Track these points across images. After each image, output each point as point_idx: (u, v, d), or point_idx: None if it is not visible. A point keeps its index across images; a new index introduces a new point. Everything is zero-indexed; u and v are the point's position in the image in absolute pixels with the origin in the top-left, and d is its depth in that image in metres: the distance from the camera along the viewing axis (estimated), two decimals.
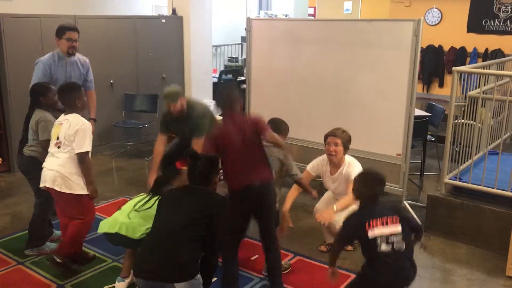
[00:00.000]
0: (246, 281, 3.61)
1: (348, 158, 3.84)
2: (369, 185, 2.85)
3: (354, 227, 2.77)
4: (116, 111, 6.87)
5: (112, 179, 5.13)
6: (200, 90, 7.67)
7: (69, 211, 3.55)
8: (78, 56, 4.63)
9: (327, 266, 3.78)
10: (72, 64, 4.55)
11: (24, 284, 3.51)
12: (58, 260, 3.47)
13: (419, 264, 3.86)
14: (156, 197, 3.15)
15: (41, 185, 3.49)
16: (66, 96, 3.55)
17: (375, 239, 2.69)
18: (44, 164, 3.52)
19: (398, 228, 2.73)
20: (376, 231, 2.70)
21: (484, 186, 4.20)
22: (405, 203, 4.60)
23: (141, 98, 7.00)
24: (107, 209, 4.78)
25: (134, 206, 3.26)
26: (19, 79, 5.74)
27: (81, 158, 3.41)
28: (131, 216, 3.25)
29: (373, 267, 2.76)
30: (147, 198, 3.24)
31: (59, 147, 3.46)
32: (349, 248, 4.05)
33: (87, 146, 3.41)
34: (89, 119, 4.38)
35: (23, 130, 3.89)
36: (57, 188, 3.40)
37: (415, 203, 4.87)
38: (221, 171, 3.18)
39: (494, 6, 8.13)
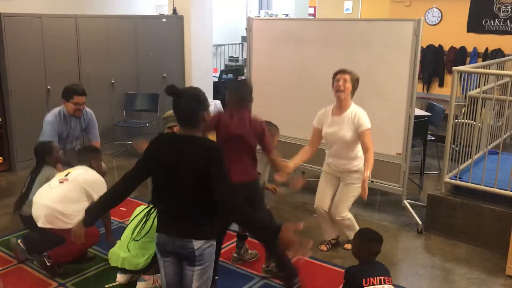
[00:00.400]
0: (245, 280, 3.62)
1: (354, 105, 3.78)
2: (366, 245, 2.98)
3: (353, 276, 2.93)
4: (117, 111, 6.88)
5: (112, 178, 5.09)
6: None
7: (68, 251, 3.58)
8: (83, 111, 4.67)
9: (327, 265, 3.83)
10: (75, 121, 4.64)
11: (25, 283, 3.52)
12: (48, 263, 3.51)
13: (419, 263, 3.91)
14: (153, 213, 3.04)
15: (38, 223, 3.52)
16: (84, 156, 3.84)
17: None
18: (36, 198, 3.56)
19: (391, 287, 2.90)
20: None
21: (484, 185, 4.21)
22: (405, 202, 4.61)
23: (142, 98, 7.01)
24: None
25: (132, 234, 3.27)
26: (20, 78, 5.76)
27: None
28: (130, 248, 3.37)
29: None
30: (143, 220, 2.97)
31: (61, 182, 3.54)
32: (349, 246, 4.06)
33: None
34: None
35: (27, 187, 3.90)
36: (48, 226, 3.47)
37: (415, 202, 4.88)
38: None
39: (494, 6, 8.13)
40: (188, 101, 2.38)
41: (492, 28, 8.21)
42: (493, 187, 4.15)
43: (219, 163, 2.35)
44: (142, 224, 3.07)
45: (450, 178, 4.44)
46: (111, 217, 4.55)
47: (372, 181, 4.66)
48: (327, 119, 3.86)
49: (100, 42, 6.54)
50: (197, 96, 2.42)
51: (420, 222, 4.46)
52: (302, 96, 5.19)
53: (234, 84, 3.60)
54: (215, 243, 2.49)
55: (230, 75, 8.93)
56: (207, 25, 7.70)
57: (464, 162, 4.57)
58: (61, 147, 4.40)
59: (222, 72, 8.90)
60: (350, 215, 3.94)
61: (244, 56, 9.33)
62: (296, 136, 5.22)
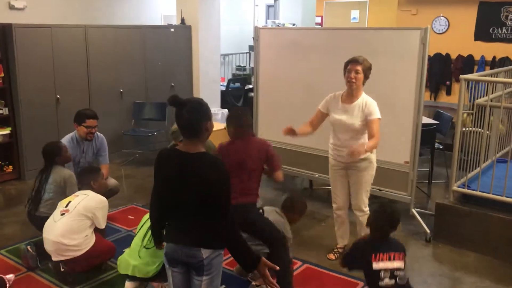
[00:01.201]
0: (245, 286, 3.64)
1: (364, 94, 3.76)
2: (381, 223, 2.94)
3: (362, 251, 2.90)
4: (126, 120, 6.93)
5: (121, 187, 5.17)
6: (208, 99, 7.60)
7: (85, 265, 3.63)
8: (95, 136, 4.75)
9: (335, 274, 3.82)
10: (88, 145, 4.71)
11: None
12: (62, 269, 3.54)
13: (427, 272, 3.89)
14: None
15: (53, 258, 3.56)
16: (84, 179, 3.91)
17: (379, 271, 2.80)
18: (44, 234, 3.59)
19: (402, 263, 2.86)
20: (381, 264, 2.82)
21: (493, 194, 4.18)
22: (414, 211, 4.59)
23: (150, 107, 7.05)
24: (117, 217, 4.82)
25: (142, 241, 3.36)
26: (30, 87, 5.83)
27: (101, 232, 3.71)
28: (141, 255, 3.39)
29: None
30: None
31: (63, 214, 3.57)
32: None
33: (105, 223, 3.72)
34: None
35: (38, 186, 3.97)
36: (62, 258, 3.51)
37: (423, 211, 4.86)
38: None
39: (502, 14, 8.13)
40: (191, 111, 2.36)
41: (499, 36, 8.20)
42: (502, 196, 4.13)
43: (222, 182, 2.36)
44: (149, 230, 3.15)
45: (458, 187, 4.42)
46: (120, 226, 4.59)
47: (380, 190, 4.66)
48: (336, 106, 3.84)
49: (109, 52, 6.61)
50: (199, 106, 2.40)
51: (428, 231, 4.44)
52: (309, 104, 5.18)
53: (233, 113, 3.61)
54: (223, 252, 2.49)
55: (237, 84, 8.97)
56: (215, 34, 7.76)
57: (472, 171, 4.56)
58: (72, 171, 4.48)
59: (229, 81, 8.94)
60: (369, 211, 3.89)
61: (252, 65, 9.37)
62: (304, 145, 5.22)
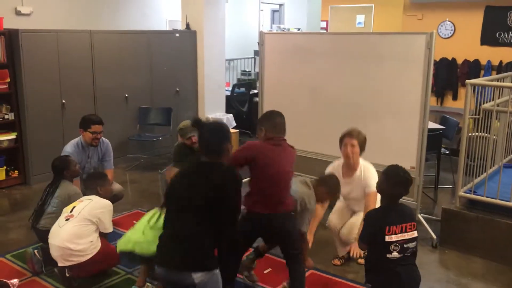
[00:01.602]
0: None
1: (362, 162, 3.82)
2: (391, 183, 2.85)
3: (375, 224, 2.83)
4: (131, 125, 6.94)
5: (126, 192, 5.17)
6: (213, 104, 7.73)
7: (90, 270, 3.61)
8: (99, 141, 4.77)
9: (340, 280, 3.80)
10: (93, 150, 4.73)
11: None
12: (67, 274, 3.52)
13: (434, 278, 3.85)
14: None
15: (58, 264, 3.55)
16: (90, 184, 3.91)
17: (390, 244, 2.76)
18: (50, 240, 3.58)
19: (415, 233, 2.82)
20: (394, 237, 2.77)
21: (499, 199, 4.15)
22: (420, 216, 4.56)
23: (155, 112, 7.06)
24: (121, 222, 4.82)
25: (149, 222, 3.29)
26: (36, 92, 5.85)
27: (105, 236, 3.71)
28: (145, 233, 3.30)
29: (379, 277, 2.84)
30: (159, 213, 3.18)
31: (67, 219, 3.57)
32: (362, 261, 4.02)
33: (111, 227, 3.73)
34: None
35: (44, 199, 3.96)
36: (67, 264, 3.50)
37: (430, 216, 4.83)
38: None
39: (508, 19, 8.10)
40: (214, 132, 2.58)
41: (506, 41, 8.18)
42: (509, 201, 4.10)
43: (234, 191, 2.48)
44: (158, 217, 3.15)
45: (465, 192, 4.39)
46: (124, 231, 4.58)
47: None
48: (339, 178, 3.86)
49: (115, 57, 6.63)
50: (220, 128, 2.63)
51: (434, 237, 4.41)
52: (315, 109, 5.19)
53: (275, 116, 3.33)
54: (218, 270, 2.51)
55: (242, 89, 8.97)
56: (220, 39, 7.77)
57: (478, 176, 4.52)
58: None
59: (234, 86, 8.93)
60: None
61: (257, 70, 9.36)
62: (309, 150, 5.21)
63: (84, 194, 4.32)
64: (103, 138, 4.77)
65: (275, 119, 3.23)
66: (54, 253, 3.53)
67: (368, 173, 3.76)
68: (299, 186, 3.44)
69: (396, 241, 2.77)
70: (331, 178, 3.63)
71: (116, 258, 3.67)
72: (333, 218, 4.05)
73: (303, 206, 3.34)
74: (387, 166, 2.97)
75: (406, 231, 2.79)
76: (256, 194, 3.13)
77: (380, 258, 2.81)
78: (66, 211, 3.66)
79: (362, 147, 3.77)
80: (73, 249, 3.45)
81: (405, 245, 2.79)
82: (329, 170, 3.96)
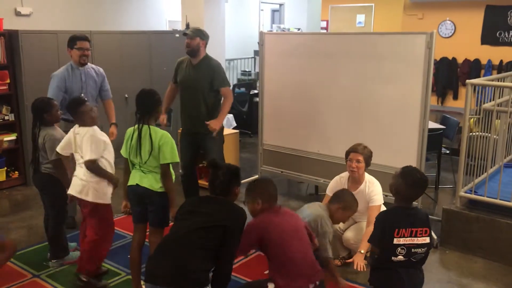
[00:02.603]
0: None
1: (368, 177, 3.86)
2: (409, 185, 2.80)
3: (386, 223, 2.81)
4: (131, 125, 6.90)
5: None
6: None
7: (89, 221, 3.60)
8: (92, 66, 4.74)
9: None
10: (86, 74, 4.63)
11: None
12: (84, 279, 3.48)
13: (434, 279, 3.85)
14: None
15: (68, 191, 3.54)
16: (75, 112, 3.63)
17: (397, 247, 2.74)
18: (75, 173, 3.57)
19: (426, 240, 2.78)
20: (402, 240, 2.74)
21: (500, 199, 4.15)
22: None
23: None
24: (123, 222, 4.81)
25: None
26: (36, 94, 5.79)
27: (88, 166, 3.47)
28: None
29: (381, 277, 2.86)
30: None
31: (80, 166, 3.55)
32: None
33: (90, 155, 3.46)
34: (110, 125, 4.72)
35: (33, 150, 3.89)
36: (81, 196, 3.47)
37: (430, 216, 4.79)
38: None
39: (509, 18, 8.09)
40: (226, 174, 2.76)
41: (506, 40, 8.17)
42: (510, 201, 4.09)
43: (236, 232, 2.64)
44: (139, 142, 3.33)
45: (466, 192, 4.38)
46: (125, 232, 4.57)
47: (386, 195, 4.62)
48: None
49: (115, 57, 6.63)
50: (234, 171, 2.82)
51: (435, 237, 4.40)
52: (315, 109, 5.19)
53: (264, 182, 3.10)
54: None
55: (242, 89, 8.97)
56: (220, 39, 7.76)
57: (479, 176, 4.52)
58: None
59: (234, 86, 8.94)
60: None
61: (257, 70, 9.37)
62: (309, 150, 5.21)
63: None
64: (98, 67, 4.72)
65: (270, 188, 2.99)
66: (75, 186, 3.50)
67: (373, 187, 3.80)
68: (311, 208, 3.41)
69: (403, 244, 2.74)
70: (342, 193, 3.57)
71: (111, 227, 3.71)
72: (348, 234, 4.01)
73: (318, 229, 3.24)
74: (401, 168, 2.92)
75: (416, 236, 2.75)
76: (286, 273, 2.81)
77: (385, 259, 2.80)
78: (76, 151, 3.57)
79: (367, 162, 3.82)
80: (91, 181, 3.46)
81: (412, 250, 2.76)
82: (333, 182, 3.98)
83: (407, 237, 2.74)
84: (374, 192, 3.78)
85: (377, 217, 2.97)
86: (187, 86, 4.61)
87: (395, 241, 2.73)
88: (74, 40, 4.54)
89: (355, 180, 3.86)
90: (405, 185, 2.80)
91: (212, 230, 2.59)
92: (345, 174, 3.97)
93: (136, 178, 3.30)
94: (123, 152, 3.42)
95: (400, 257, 2.75)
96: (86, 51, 4.56)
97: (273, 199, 2.97)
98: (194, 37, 4.53)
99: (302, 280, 2.82)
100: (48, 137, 3.72)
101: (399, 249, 2.74)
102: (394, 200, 2.93)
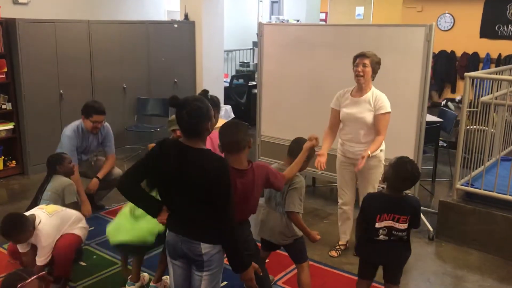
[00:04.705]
0: None
1: (374, 88, 3.74)
2: (398, 178, 2.85)
3: (368, 207, 2.93)
4: (129, 115, 6.93)
5: None
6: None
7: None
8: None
9: (337, 271, 3.81)
10: (93, 135, 4.71)
11: None
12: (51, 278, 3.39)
13: (430, 270, 3.88)
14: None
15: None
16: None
17: (379, 229, 2.88)
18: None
19: (404, 226, 2.88)
20: (384, 223, 2.87)
21: (497, 192, 4.17)
22: None
23: (153, 102, 7.05)
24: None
25: (132, 213, 3.22)
26: (34, 83, 5.83)
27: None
28: (133, 223, 3.21)
29: (365, 248, 3.02)
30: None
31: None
32: None
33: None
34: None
35: (35, 197, 3.90)
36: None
37: (427, 209, 4.84)
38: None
39: (508, 12, 8.07)
40: (191, 113, 2.34)
41: (505, 34, 8.15)
42: (506, 194, 4.11)
43: (223, 180, 2.33)
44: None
45: (462, 185, 4.40)
46: None
47: (382, 187, 4.63)
48: (346, 101, 3.81)
49: (113, 47, 6.60)
50: (199, 108, 2.36)
51: (431, 229, 4.43)
52: (313, 101, 5.18)
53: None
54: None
55: (241, 80, 8.95)
56: (219, 30, 7.74)
57: (476, 169, 4.53)
58: (76, 161, 4.52)
59: (233, 77, 8.92)
60: None
61: (255, 61, 9.34)
62: None
63: (84, 175, 4.28)
64: (105, 123, 4.73)
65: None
66: None
67: (381, 95, 3.67)
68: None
69: (385, 227, 2.87)
70: (299, 140, 3.30)
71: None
72: (341, 197, 4.02)
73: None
74: (395, 158, 2.93)
75: (398, 222, 2.85)
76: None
77: (368, 238, 2.94)
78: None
79: (375, 70, 3.66)
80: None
81: (393, 231, 2.88)
82: (336, 96, 3.88)
83: (388, 220, 2.86)
84: (381, 101, 3.64)
85: (364, 198, 3.04)
86: None
87: (377, 225, 2.86)
88: (91, 112, 4.55)
89: (361, 88, 3.68)
90: (394, 176, 2.85)
91: (204, 189, 2.36)
92: (348, 88, 3.83)
93: None
94: None
95: (382, 237, 2.88)
96: (99, 124, 4.60)
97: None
98: None
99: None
100: (68, 183, 3.90)
101: (381, 230, 2.87)
102: (386, 190, 2.97)
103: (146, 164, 2.47)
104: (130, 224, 3.23)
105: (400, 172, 2.84)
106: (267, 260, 3.49)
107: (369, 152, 3.52)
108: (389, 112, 3.68)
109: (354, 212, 4.05)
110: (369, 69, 3.64)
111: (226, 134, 2.64)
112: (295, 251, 3.21)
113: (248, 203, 2.70)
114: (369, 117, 3.69)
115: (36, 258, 3.27)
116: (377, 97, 3.69)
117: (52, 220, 3.34)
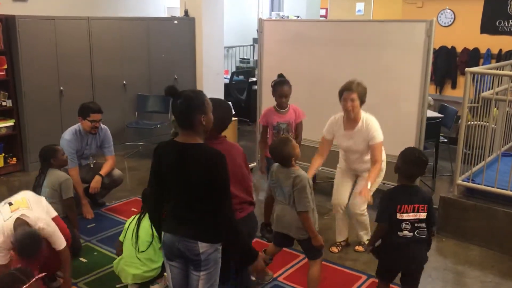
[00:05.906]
0: None
1: (364, 114, 3.76)
2: (408, 163, 2.93)
3: (389, 200, 2.93)
4: (129, 112, 6.92)
5: (124, 179, 5.18)
6: (211, 91, 7.68)
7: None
8: (101, 127, 4.77)
9: (338, 267, 3.82)
10: (92, 137, 4.73)
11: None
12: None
13: (431, 266, 3.88)
14: (145, 219, 3.30)
15: None
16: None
17: (401, 222, 2.87)
18: None
19: (425, 215, 2.90)
20: (405, 215, 2.88)
21: (497, 187, 4.16)
22: None
23: (154, 99, 7.04)
24: (120, 209, 4.83)
25: (136, 249, 3.30)
26: (33, 79, 5.82)
27: None
28: (139, 260, 3.31)
29: (389, 254, 2.96)
30: (135, 228, 3.35)
31: None
32: (360, 248, 4.05)
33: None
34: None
35: (32, 190, 3.77)
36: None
37: None
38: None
39: (508, 7, 8.05)
40: (183, 103, 2.33)
41: (506, 29, 8.13)
42: (507, 190, 4.11)
43: (221, 175, 2.34)
44: (136, 233, 3.24)
45: (463, 180, 4.40)
46: (123, 218, 4.59)
47: (384, 183, 4.63)
48: (339, 131, 3.85)
49: (113, 44, 6.59)
50: (192, 98, 2.35)
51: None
52: (314, 97, 5.18)
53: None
54: (220, 248, 2.47)
55: (241, 77, 8.94)
56: (219, 26, 7.72)
57: (477, 164, 4.53)
58: (76, 164, 4.56)
59: (233, 73, 8.90)
60: (367, 213, 3.93)
61: (255, 57, 9.32)
62: (308, 138, 5.20)
63: (84, 181, 4.31)
64: (102, 125, 4.76)
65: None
66: None
67: (371, 124, 3.70)
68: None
69: (407, 220, 2.87)
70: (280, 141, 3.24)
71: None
72: (335, 197, 4.02)
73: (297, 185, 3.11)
74: (404, 149, 3.03)
75: (419, 212, 2.89)
76: None
77: (391, 235, 2.91)
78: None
79: (362, 100, 3.69)
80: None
81: (416, 224, 2.88)
82: (329, 123, 3.92)
83: (410, 212, 2.87)
84: (373, 130, 3.68)
85: (380, 196, 3.06)
86: None
87: (398, 216, 2.86)
88: (88, 112, 4.57)
89: (351, 119, 3.75)
90: (404, 162, 2.94)
91: (203, 185, 2.40)
92: (339, 115, 3.86)
93: None
94: None
95: (406, 232, 2.87)
96: (97, 123, 4.61)
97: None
98: None
99: None
100: (64, 178, 3.89)
101: (403, 224, 2.87)
102: (397, 180, 3.01)
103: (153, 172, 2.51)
104: (133, 268, 3.34)
105: (408, 156, 2.96)
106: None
107: (369, 185, 3.52)
108: (381, 142, 3.70)
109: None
110: (357, 103, 3.68)
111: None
112: (310, 247, 3.21)
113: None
114: (364, 147, 3.77)
115: (56, 247, 3.13)
116: (368, 126, 3.71)
117: (29, 211, 3.12)
